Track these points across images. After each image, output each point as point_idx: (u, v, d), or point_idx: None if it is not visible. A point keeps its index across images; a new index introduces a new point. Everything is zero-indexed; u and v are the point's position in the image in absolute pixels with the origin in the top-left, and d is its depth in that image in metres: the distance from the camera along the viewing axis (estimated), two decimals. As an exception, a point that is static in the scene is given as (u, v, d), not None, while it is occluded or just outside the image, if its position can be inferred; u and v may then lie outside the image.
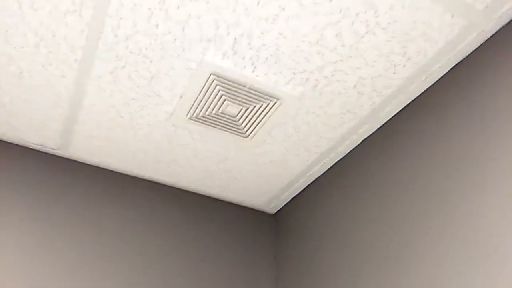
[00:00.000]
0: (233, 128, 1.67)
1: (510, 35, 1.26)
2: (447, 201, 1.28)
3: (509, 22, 1.27)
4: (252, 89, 1.50)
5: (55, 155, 1.82)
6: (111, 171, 1.90)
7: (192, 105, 1.57)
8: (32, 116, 1.65)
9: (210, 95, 1.53)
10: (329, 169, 1.85)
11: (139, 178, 1.94)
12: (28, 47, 1.40)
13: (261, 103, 1.55)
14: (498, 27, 1.30)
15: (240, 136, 1.70)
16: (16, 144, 1.78)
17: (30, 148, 1.79)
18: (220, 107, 1.58)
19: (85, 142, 1.77)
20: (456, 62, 1.40)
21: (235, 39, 1.36)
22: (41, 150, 1.81)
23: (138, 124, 1.67)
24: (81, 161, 1.86)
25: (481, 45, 1.34)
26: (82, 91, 1.55)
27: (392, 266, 1.40)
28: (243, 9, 1.27)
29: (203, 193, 2.05)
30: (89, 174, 1.85)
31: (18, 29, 1.35)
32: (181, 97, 1.55)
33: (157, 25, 1.32)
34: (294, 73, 1.46)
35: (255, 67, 1.44)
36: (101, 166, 1.89)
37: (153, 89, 1.53)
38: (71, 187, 1.78)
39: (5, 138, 1.75)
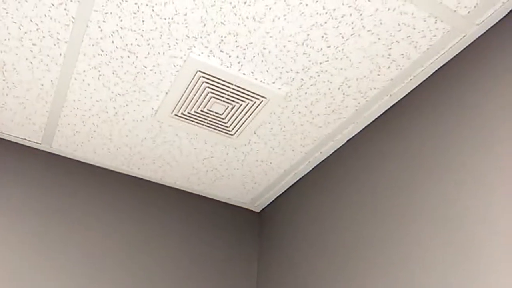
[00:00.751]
0: (219, 126, 1.67)
1: (491, 40, 1.28)
2: (430, 201, 1.30)
3: (490, 28, 1.30)
4: (239, 87, 1.51)
5: (38, 149, 1.80)
6: (95, 166, 1.89)
7: (178, 102, 1.57)
8: (16, 109, 1.64)
9: (196, 93, 1.53)
10: (314, 168, 1.87)
11: (123, 173, 1.93)
12: (12, 40, 1.38)
13: (247, 101, 1.56)
14: (480, 33, 1.32)
15: (226, 134, 1.71)
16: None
17: (13, 142, 1.77)
18: (206, 105, 1.58)
19: (68, 137, 1.76)
20: (439, 66, 1.42)
21: (221, 37, 1.36)
22: (24, 144, 1.79)
23: (123, 119, 1.66)
24: (64, 155, 1.84)
25: (464, 49, 1.36)
26: (66, 85, 1.53)
27: (375, 266, 1.42)
28: (230, 7, 1.27)
29: (188, 190, 2.05)
30: (72, 169, 1.83)
31: (1, 21, 1.33)
32: (167, 93, 1.55)
33: (143, 21, 1.32)
34: (280, 73, 1.47)
35: (241, 65, 1.45)
36: (85, 161, 1.87)
37: (139, 85, 1.52)
38: (53, 181, 1.77)
39: (-13, 131, 1.73)
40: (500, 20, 1.28)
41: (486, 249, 1.10)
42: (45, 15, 1.31)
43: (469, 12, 1.27)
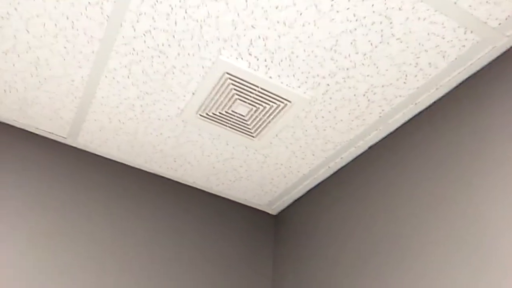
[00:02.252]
0: (241, 128, 1.70)
1: (521, 53, 1.28)
2: (450, 209, 1.30)
3: (521, 40, 1.30)
4: (264, 90, 1.53)
5: (63, 144, 1.84)
6: (118, 162, 1.92)
7: (204, 102, 1.59)
8: (45, 104, 1.68)
9: (222, 94, 1.56)
10: (333, 174, 1.88)
11: (145, 171, 1.96)
12: (47, 36, 1.42)
13: (272, 104, 1.58)
14: (509, 45, 1.33)
15: (248, 136, 1.73)
16: (26, 131, 1.80)
17: (40, 136, 1.81)
18: (230, 106, 1.60)
19: (94, 133, 1.79)
20: (466, 76, 1.43)
21: (251, 40, 1.38)
22: (50, 138, 1.83)
23: (149, 118, 1.69)
24: (89, 150, 1.88)
25: (492, 61, 1.36)
26: (96, 82, 1.57)
27: (391, 272, 1.42)
28: (262, 11, 1.29)
29: (206, 190, 2.07)
30: (95, 164, 1.87)
31: (39, 18, 1.37)
32: (193, 94, 1.57)
33: (176, 22, 1.35)
34: (306, 77, 1.48)
35: (268, 68, 1.47)
36: (108, 157, 1.91)
37: (167, 84, 1.55)
38: (76, 175, 1.80)
39: (17, 124, 1.77)
40: (531, 33, 1.28)
41: (505, 256, 1.10)
42: (81, 13, 1.34)
43: (500, 24, 1.28)
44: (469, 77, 1.42)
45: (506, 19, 1.26)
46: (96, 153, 1.89)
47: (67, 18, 1.36)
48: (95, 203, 1.79)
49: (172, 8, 1.31)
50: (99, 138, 1.81)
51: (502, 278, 1.10)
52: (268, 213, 2.19)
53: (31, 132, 1.80)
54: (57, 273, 1.60)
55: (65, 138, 1.83)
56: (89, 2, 1.31)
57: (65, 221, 1.70)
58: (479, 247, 1.19)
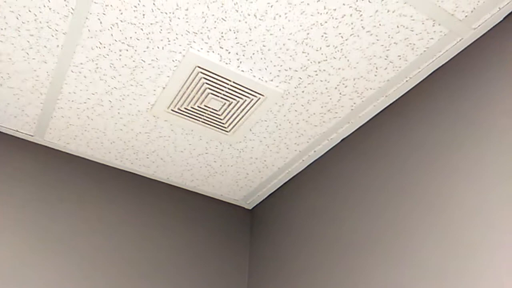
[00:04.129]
0: (215, 123, 1.68)
1: (487, 45, 1.31)
2: (425, 200, 1.33)
3: (486, 32, 1.33)
4: (237, 84, 1.51)
5: (29, 142, 1.78)
6: (87, 160, 1.87)
7: (175, 97, 1.56)
8: (9, 100, 1.61)
9: (194, 88, 1.53)
10: (307, 167, 1.88)
11: (115, 168, 1.92)
12: (9, 29, 1.36)
13: (245, 98, 1.56)
14: (476, 37, 1.35)
15: (222, 130, 1.71)
16: (-10, 129, 1.73)
17: (4, 133, 1.74)
18: (203, 101, 1.58)
19: (62, 130, 1.74)
20: (435, 68, 1.45)
21: (222, 33, 1.36)
22: (15, 136, 1.76)
23: (119, 113, 1.65)
24: (57, 148, 1.82)
25: (460, 53, 1.39)
26: (62, 77, 1.52)
27: (367, 264, 1.44)
28: (232, 3, 1.28)
29: (180, 186, 2.04)
30: (64, 162, 1.81)
31: (-1, 10, 1.31)
32: (164, 88, 1.54)
33: (144, 15, 1.31)
34: (279, 71, 1.48)
35: (240, 62, 1.45)
36: (78, 155, 1.85)
37: (136, 79, 1.51)
38: (44, 174, 1.75)
39: (-22, 121, 1.70)
40: (496, 25, 1.31)
41: (484, 249, 1.12)
42: (44, 6, 1.29)
43: (466, 16, 1.30)
44: (437, 69, 1.44)
45: (472, 11, 1.29)
46: (65, 150, 1.83)
47: (29, 10, 1.30)
48: (64, 202, 1.73)
49: (139, 0, 1.27)
50: (67, 135, 1.76)
51: (493, 276, 1.13)
52: (243, 208, 2.18)
53: (-6, 130, 1.73)
54: (23, 276, 1.55)
55: (32, 136, 1.77)
56: (52, -6, 1.26)
57: (34, 221, 1.64)
58: (459, 238, 1.21)
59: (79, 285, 1.61)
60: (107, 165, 1.90)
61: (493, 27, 1.31)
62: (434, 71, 1.45)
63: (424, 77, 1.48)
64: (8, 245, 1.56)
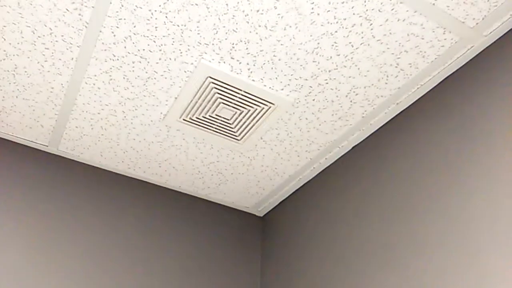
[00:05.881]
0: (226, 131, 1.69)
1: (498, 52, 1.31)
2: (436, 207, 1.32)
3: (497, 40, 1.33)
4: (248, 93, 1.53)
5: (44, 152, 1.81)
6: (101, 169, 1.89)
7: (187, 107, 1.58)
8: (25, 112, 1.64)
9: (205, 98, 1.55)
10: (318, 174, 1.89)
11: (129, 177, 1.94)
12: (25, 43, 1.39)
13: (256, 107, 1.58)
14: (487, 44, 1.35)
15: (233, 139, 1.72)
16: (6, 139, 1.76)
17: (20, 144, 1.78)
18: (214, 110, 1.59)
19: (76, 140, 1.76)
20: (446, 76, 1.45)
21: (233, 44, 1.38)
22: (30, 146, 1.79)
23: (132, 123, 1.68)
24: (71, 158, 1.85)
25: (470, 60, 1.39)
26: (77, 89, 1.54)
27: (378, 271, 1.43)
28: (243, 15, 1.29)
29: (192, 194, 2.06)
30: (78, 172, 1.84)
31: (16, 25, 1.34)
32: (176, 98, 1.56)
33: (157, 28, 1.33)
34: (289, 80, 1.49)
35: (251, 72, 1.47)
36: (91, 164, 1.88)
37: (149, 89, 1.54)
38: (58, 184, 1.77)
39: (-6, 133, 1.74)
40: (507, 32, 1.30)
41: (497, 258, 1.12)
42: (59, 20, 1.32)
43: (477, 23, 1.30)
44: (448, 77, 1.44)
45: (483, 19, 1.29)
46: (79, 160, 1.86)
47: (45, 25, 1.33)
48: (79, 211, 1.76)
49: (152, 14, 1.29)
50: (81, 145, 1.79)
51: (499, 278, 1.12)
52: (255, 215, 2.19)
53: (10, 141, 1.76)
54: (35, 283, 1.57)
55: (46, 146, 1.80)
56: (66, 9, 1.29)
57: (49, 229, 1.67)
58: (466, 245, 1.21)
59: (94, 294, 1.63)
60: (120, 174, 1.93)
61: (504, 34, 1.31)
62: (445, 78, 1.45)
63: (435, 84, 1.48)
64: (23, 253, 1.59)
